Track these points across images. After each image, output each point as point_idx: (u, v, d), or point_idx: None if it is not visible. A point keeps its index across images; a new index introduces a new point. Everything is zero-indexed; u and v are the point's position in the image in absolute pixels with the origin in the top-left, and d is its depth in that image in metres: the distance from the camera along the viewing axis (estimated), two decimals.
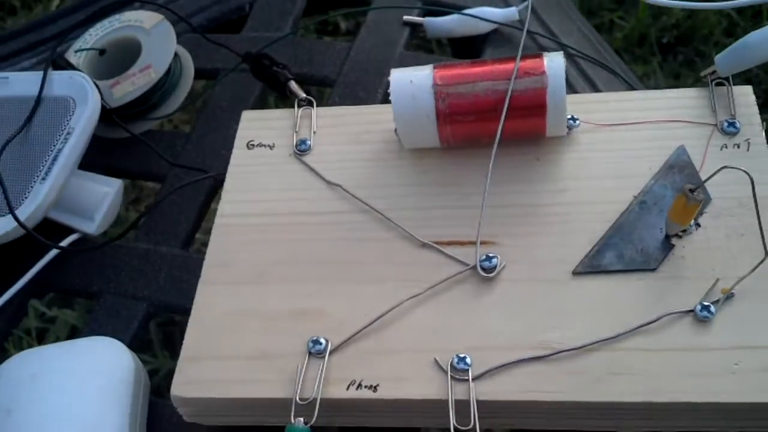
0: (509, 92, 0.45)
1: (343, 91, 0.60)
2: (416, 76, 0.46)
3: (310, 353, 0.41)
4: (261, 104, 0.62)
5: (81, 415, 0.43)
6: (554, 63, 0.45)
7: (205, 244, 0.48)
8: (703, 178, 0.43)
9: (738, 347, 0.38)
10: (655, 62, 1.31)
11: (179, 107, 0.62)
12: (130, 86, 0.59)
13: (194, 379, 0.42)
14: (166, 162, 0.58)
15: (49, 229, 0.53)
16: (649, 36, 1.33)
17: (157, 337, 0.99)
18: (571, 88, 0.57)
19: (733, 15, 1.32)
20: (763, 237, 0.39)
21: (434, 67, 0.47)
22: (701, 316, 0.39)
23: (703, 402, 0.37)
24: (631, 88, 0.58)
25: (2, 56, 0.69)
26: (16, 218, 0.49)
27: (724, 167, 0.38)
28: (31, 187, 0.52)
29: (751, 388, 0.37)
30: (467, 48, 0.65)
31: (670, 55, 1.31)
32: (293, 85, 0.56)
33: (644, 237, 0.43)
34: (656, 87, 1.26)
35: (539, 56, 0.46)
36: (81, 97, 0.55)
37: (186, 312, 0.46)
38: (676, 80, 1.26)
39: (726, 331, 0.39)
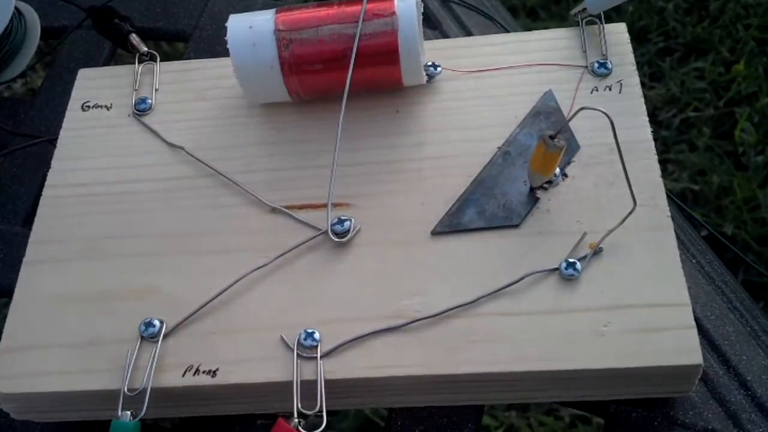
0: (357, 36, 0.40)
1: (199, 46, 0.55)
2: (256, 21, 0.42)
3: (142, 337, 0.37)
4: (111, 64, 0.56)
5: None
6: (405, 2, 0.41)
7: None
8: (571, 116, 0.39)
9: (606, 307, 0.35)
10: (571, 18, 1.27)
11: (25, 69, 0.56)
12: None
13: (16, 372, 0.37)
14: (5, 131, 0.52)
15: None
16: None
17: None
18: (445, 37, 0.53)
19: None
20: (630, 184, 0.36)
21: (276, 11, 0.42)
22: (566, 275, 0.36)
23: (570, 369, 0.34)
24: (505, 30, 0.54)
25: None
26: None
27: (582, 108, 0.35)
28: None
29: (621, 352, 0.34)
30: None
31: None
32: (134, 37, 0.51)
33: (507, 191, 0.39)
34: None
35: None
36: None
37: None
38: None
39: (593, 290, 0.36)
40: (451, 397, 0.37)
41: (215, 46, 0.55)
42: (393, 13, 0.40)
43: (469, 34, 0.54)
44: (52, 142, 0.49)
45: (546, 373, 0.34)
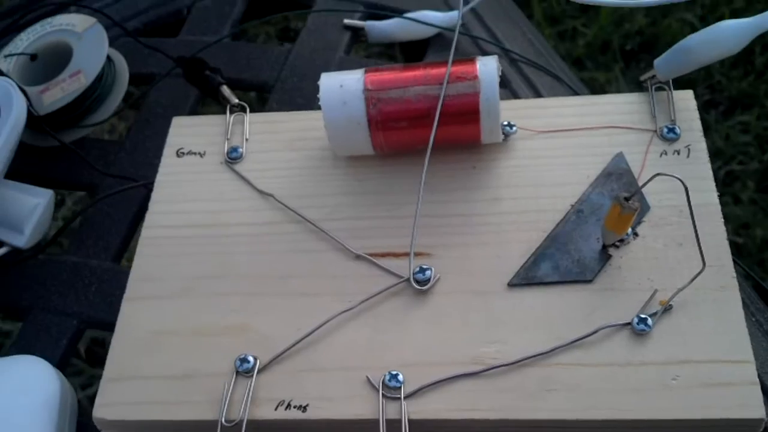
0: (441, 97, 0.43)
1: (281, 97, 0.59)
2: (346, 81, 0.45)
3: (237, 372, 0.40)
4: (197, 111, 0.60)
5: None
6: (487, 67, 0.44)
7: None
8: (640, 184, 0.42)
9: (675, 362, 0.37)
10: (617, 69, 1.31)
11: (113, 114, 0.60)
12: (60, 92, 0.57)
13: (117, 400, 0.40)
14: (98, 171, 0.56)
15: None
16: (612, 43, 1.33)
17: (92, 353, 0.97)
18: (514, 95, 0.56)
19: (695, 23, 1.33)
20: (700, 246, 0.38)
21: (365, 71, 0.45)
22: (638, 329, 0.38)
23: (640, 419, 0.36)
24: (576, 94, 0.57)
25: None
26: None
27: (658, 174, 0.37)
28: None
29: (688, 404, 0.36)
30: (413, 52, 0.63)
31: (633, 62, 1.32)
32: (225, 89, 0.55)
33: (581, 247, 0.42)
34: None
35: (472, 60, 0.44)
36: (6, 103, 0.53)
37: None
38: (637, 87, 1.26)
39: (663, 344, 0.38)
40: None
41: (296, 98, 0.58)
42: (475, 77, 0.43)
43: (537, 93, 0.57)
44: (147, 186, 0.52)
45: (617, 422, 0.36)
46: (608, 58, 1.32)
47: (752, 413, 0.36)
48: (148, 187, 0.53)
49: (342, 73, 0.46)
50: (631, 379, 0.37)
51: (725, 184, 1.13)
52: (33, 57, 0.60)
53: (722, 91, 1.27)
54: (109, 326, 0.48)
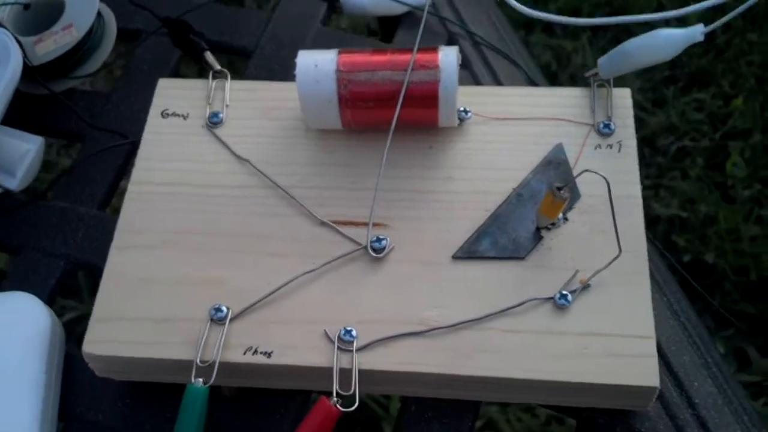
0: (405, 83, 0.49)
1: (259, 62, 0.63)
2: (321, 61, 0.50)
3: (212, 320, 0.45)
4: (179, 70, 0.64)
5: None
6: (448, 57, 0.49)
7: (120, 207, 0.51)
8: (575, 174, 0.48)
9: (588, 333, 0.44)
10: (584, 38, 1.36)
11: (100, 67, 0.64)
12: (53, 44, 0.61)
13: (104, 338, 0.45)
14: (86, 123, 0.60)
15: None
16: (581, 11, 1.38)
17: (86, 286, 1.02)
18: (474, 78, 0.61)
19: None
20: (617, 234, 0.44)
21: (339, 52, 0.50)
22: (559, 304, 0.44)
23: (555, 380, 0.42)
24: (532, 81, 0.62)
25: None
26: None
27: (585, 171, 0.43)
28: None
29: (596, 371, 0.42)
30: (386, 26, 0.68)
31: (600, 31, 1.37)
32: (209, 56, 0.59)
33: (518, 227, 0.47)
34: (584, 63, 1.31)
35: (435, 50, 0.49)
36: (4, 54, 0.57)
37: (101, 271, 0.50)
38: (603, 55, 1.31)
39: (580, 318, 0.44)
40: (457, 392, 0.45)
41: (273, 65, 0.63)
42: (436, 66, 0.49)
43: (495, 77, 0.62)
44: (135, 143, 0.57)
45: (535, 381, 0.43)
46: (577, 27, 1.37)
47: (649, 382, 0.42)
48: (135, 144, 0.58)
49: (317, 52, 0.50)
50: (550, 346, 0.43)
51: (675, 159, 1.20)
52: (26, 6, 0.64)
53: (683, 68, 1.32)
54: (96, 269, 0.54)
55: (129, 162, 0.60)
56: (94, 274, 0.51)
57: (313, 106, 0.50)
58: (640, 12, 1.37)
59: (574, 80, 1.29)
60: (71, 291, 1.02)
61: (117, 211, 0.51)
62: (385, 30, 0.70)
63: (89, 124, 0.60)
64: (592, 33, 1.37)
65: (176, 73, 0.64)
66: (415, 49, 0.49)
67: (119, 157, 0.59)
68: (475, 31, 0.65)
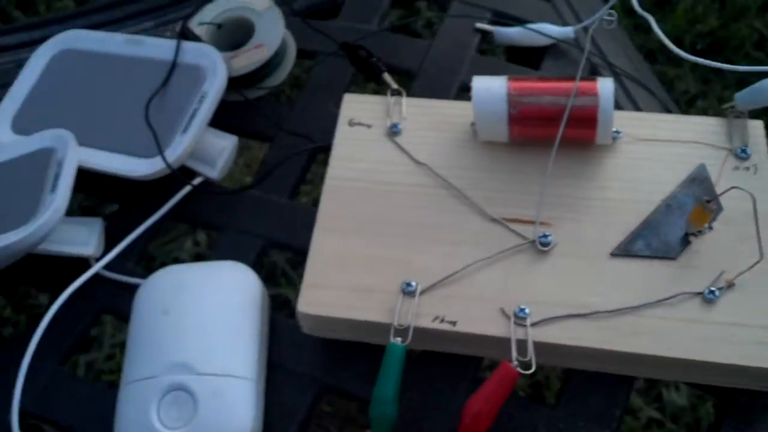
0: (568, 107, 0.57)
1: (422, 83, 0.72)
2: (494, 86, 0.58)
3: (403, 292, 0.54)
4: (352, 86, 0.73)
5: (224, 320, 0.55)
6: (605, 86, 0.57)
7: (306, 196, 0.59)
8: (718, 191, 0.55)
9: (735, 324, 0.51)
10: (686, 66, 1.43)
11: (283, 81, 0.73)
12: (246, 60, 0.70)
13: (315, 301, 0.54)
14: (275, 126, 0.69)
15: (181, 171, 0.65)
16: (684, 41, 1.44)
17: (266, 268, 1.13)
18: (616, 104, 0.69)
19: (764, 31, 1.43)
20: (760, 243, 0.51)
21: (509, 79, 0.58)
22: (708, 298, 0.52)
23: (702, 360, 0.50)
24: (665, 107, 0.70)
25: (126, 16, 0.80)
26: (165, 161, 0.61)
27: (733, 187, 0.51)
28: (174, 137, 0.63)
29: (742, 355, 0.49)
30: (524, 56, 0.76)
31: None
32: (387, 76, 0.68)
33: (668, 232, 0.55)
34: (686, 90, 1.38)
35: (594, 79, 0.58)
36: (212, 67, 0.66)
37: (292, 249, 0.61)
38: (704, 84, 1.38)
39: (726, 310, 0.51)
40: (614, 367, 0.52)
41: (435, 85, 0.71)
42: (596, 93, 0.57)
43: (634, 103, 0.70)
44: (319, 147, 0.66)
45: (685, 360, 0.50)
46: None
47: None
48: (318, 147, 0.67)
49: (489, 78, 0.59)
50: (700, 332, 0.51)
51: None
52: (219, 26, 0.74)
53: None
54: (287, 247, 0.63)
55: (312, 161, 0.69)
56: (286, 252, 0.59)
57: (485, 121, 0.58)
58: (741, 42, 1.44)
59: (678, 105, 1.36)
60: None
61: (304, 202, 0.60)
62: (523, 61, 0.78)
63: (279, 127, 0.69)
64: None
65: (347, 89, 0.73)
66: (578, 78, 0.58)
67: (303, 157, 0.68)
68: (614, 62, 0.73)
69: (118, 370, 0.54)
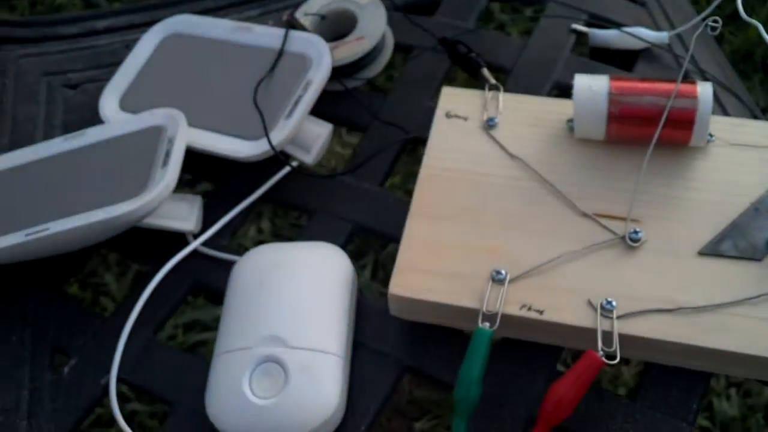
0: (668, 108, 0.58)
1: (516, 81, 0.74)
2: (595, 84, 0.60)
3: (492, 279, 0.56)
4: (446, 82, 0.75)
5: (317, 297, 0.58)
6: (705, 90, 0.58)
7: (396, 186, 0.62)
8: None
9: None
10: (756, 79, 1.42)
11: (380, 72, 0.76)
12: (347, 51, 0.73)
13: (407, 283, 0.56)
14: (370, 115, 0.72)
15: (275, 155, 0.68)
16: (755, 54, 1.44)
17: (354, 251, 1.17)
18: None
19: None
20: None
21: (610, 78, 0.60)
22: None
23: None
24: (753, 114, 0.71)
25: (231, 4, 0.84)
26: (270, 144, 0.65)
27: None
28: (279, 121, 0.67)
29: None
30: (609, 60, 0.77)
31: None
32: (485, 71, 0.70)
33: (755, 235, 0.56)
34: (757, 100, 1.38)
35: (693, 82, 0.59)
36: (317, 56, 0.69)
37: (380, 235, 0.62)
38: None
39: None
40: (694, 363, 0.54)
41: (528, 83, 0.73)
42: (695, 96, 0.58)
43: (723, 109, 0.71)
44: (413, 138, 0.69)
45: (766, 359, 0.51)
46: (748, 67, 1.45)
47: None
48: (411, 138, 0.70)
49: (591, 76, 0.61)
50: None
51: None
52: (323, 17, 0.77)
53: None
54: (374, 232, 0.65)
55: (403, 150, 0.71)
56: (374, 237, 0.62)
57: (585, 119, 0.60)
58: None
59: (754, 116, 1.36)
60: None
61: (393, 190, 0.62)
62: (617, 63, 0.80)
63: (374, 117, 0.72)
64: (764, 76, 1.43)
65: (441, 84, 0.75)
66: (679, 80, 0.59)
67: (396, 147, 0.71)
68: (705, 69, 0.74)
69: (210, 343, 0.57)
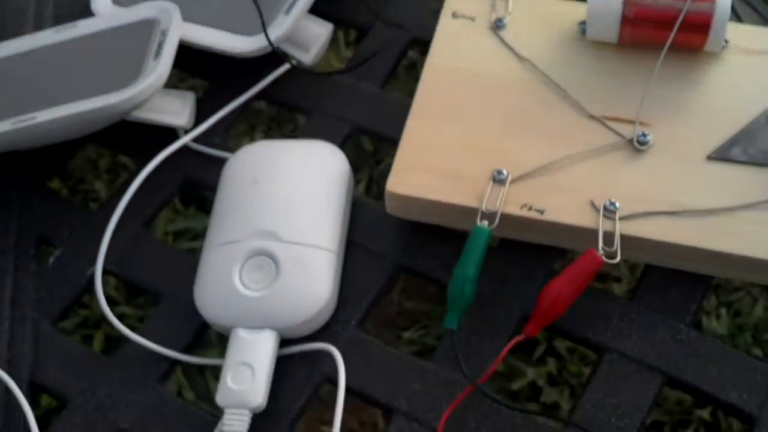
0: (684, 11, 0.56)
1: None
2: None
3: (493, 179, 0.54)
4: None
5: (311, 194, 0.56)
6: None
7: (399, 89, 0.60)
8: None
9: None
10: None
11: None
12: None
13: (405, 181, 0.55)
14: (373, 15, 0.70)
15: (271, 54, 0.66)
16: None
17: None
18: None
19: None
20: None
21: None
22: None
23: None
24: (767, 22, 0.68)
25: None
26: (268, 39, 0.62)
27: None
28: (277, 17, 0.64)
29: None
30: None
31: None
32: None
33: (766, 141, 0.54)
34: None
35: None
36: None
37: (379, 136, 0.60)
38: None
39: None
40: (697, 266, 0.52)
41: None
42: (713, 0, 0.56)
43: (739, 18, 0.68)
44: (418, 42, 0.66)
45: None
46: None
47: None
48: (412, 38, 0.67)
49: None
50: None
51: None
52: None
53: None
54: (374, 133, 0.64)
55: (404, 54, 0.69)
56: (373, 138, 0.60)
57: (598, 20, 0.58)
58: None
59: None
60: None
61: (394, 92, 0.61)
62: None
63: (376, 17, 0.70)
64: None
65: None
66: None
67: (398, 47, 0.68)
68: None
69: (201, 250, 0.56)
